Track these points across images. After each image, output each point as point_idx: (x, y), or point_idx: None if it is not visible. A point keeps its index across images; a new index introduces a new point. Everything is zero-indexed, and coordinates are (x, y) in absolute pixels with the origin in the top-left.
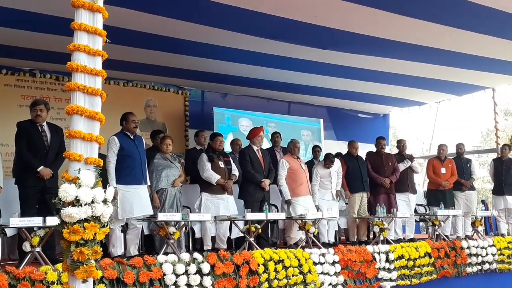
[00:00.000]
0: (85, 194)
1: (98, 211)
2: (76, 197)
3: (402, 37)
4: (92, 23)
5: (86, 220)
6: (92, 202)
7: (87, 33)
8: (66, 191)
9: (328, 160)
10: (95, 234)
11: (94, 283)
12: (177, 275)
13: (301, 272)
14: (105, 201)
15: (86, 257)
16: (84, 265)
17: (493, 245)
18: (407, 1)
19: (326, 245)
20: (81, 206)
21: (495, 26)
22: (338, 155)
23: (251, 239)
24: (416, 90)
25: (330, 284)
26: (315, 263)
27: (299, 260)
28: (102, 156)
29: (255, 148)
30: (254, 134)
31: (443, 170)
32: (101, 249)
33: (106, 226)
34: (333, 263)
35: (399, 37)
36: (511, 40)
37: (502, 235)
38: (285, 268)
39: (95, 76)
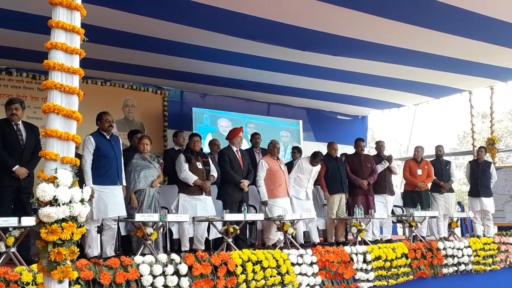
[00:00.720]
0: (63, 193)
1: (76, 211)
2: (54, 196)
3: (381, 39)
4: (70, 21)
5: (64, 220)
6: (70, 201)
7: (64, 31)
8: (44, 190)
9: (318, 158)
10: (72, 234)
11: (70, 284)
12: (154, 276)
13: (279, 273)
14: (82, 201)
15: (63, 257)
16: (61, 266)
17: (469, 247)
18: (387, 3)
19: (305, 246)
20: (59, 205)
21: (472, 29)
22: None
23: (229, 240)
24: (395, 92)
25: (308, 285)
26: (293, 264)
27: (277, 261)
28: (78, 156)
29: (234, 148)
30: (233, 134)
31: (419, 172)
32: (78, 249)
33: (83, 226)
34: (311, 264)
35: (378, 39)
36: (488, 43)
37: (478, 237)
38: (263, 269)
39: (72, 75)
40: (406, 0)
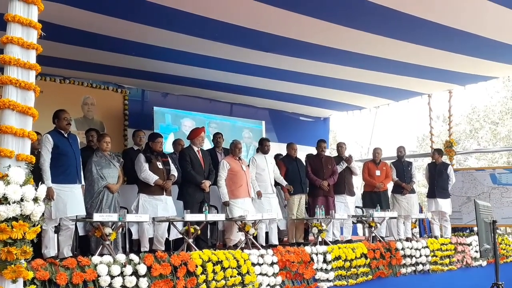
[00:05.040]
0: (14, 191)
1: (28, 210)
2: (4, 194)
3: (343, 45)
4: (26, 15)
5: (14, 218)
6: (22, 200)
7: (21, 26)
8: None
9: (265, 142)
10: (24, 233)
11: (25, 284)
12: (112, 277)
13: (239, 273)
14: (35, 200)
15: (14, 256)
16: (13, 265)
17: (427, 247)
18: (347, 14)
19: (267, 247)
20: (9, 204)
21: (430, 37)
22: (279, 156)
23: (190, 241)
24: (356, 95)
25: (268, 285)
26: (253, 264)
27: (237, 261)
28: (33, 153)
29: (195, 148)
30: (195, 134)
31: (377, 173)
32: (31, 249)
33: (37, 225)
34: (272, 264)
35: (340, 45)
36: (445, 51)
37: (435, 237)
38: (224, 269)
39: (29, 70)
40: (366, 11)
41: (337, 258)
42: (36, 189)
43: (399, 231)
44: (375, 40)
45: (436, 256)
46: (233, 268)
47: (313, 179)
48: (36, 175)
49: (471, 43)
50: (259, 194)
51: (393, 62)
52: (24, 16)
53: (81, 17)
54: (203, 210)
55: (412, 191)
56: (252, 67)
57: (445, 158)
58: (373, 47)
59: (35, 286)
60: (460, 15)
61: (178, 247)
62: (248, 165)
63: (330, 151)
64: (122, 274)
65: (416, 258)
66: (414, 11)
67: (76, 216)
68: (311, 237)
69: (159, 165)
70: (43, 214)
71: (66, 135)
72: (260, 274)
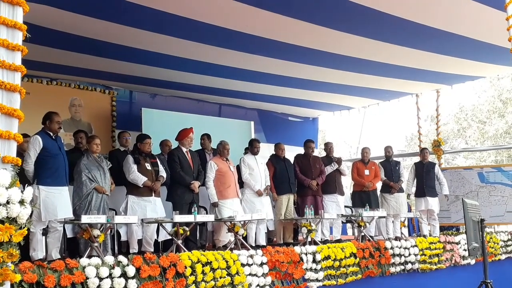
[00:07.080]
0: None
1: (14, 212)
2: None
3: (331, 48)
4: (11, 16)
5: (0, 221)
6: (8, 202)
7: (6, 27)
8: None
9: (254, 142)
10: (11, 236)
11: (12, 287)
12: (101, 279)
13: (229, 274)
14: (22, 202)
15: (1, 259)
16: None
17: (415, 246)
18: (336, 16)
19: (255, 247)
20: None
21: (418, 39)
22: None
23: (179, 242)
24: (344, 96)
25: (258, 285)
26: (243, 265)
27: (227, 262)
28: (20, 155)
29: (184, 149)
30: (183, 135)
31: (366, 172)
32: (18, 251)
33: (24, 228)
34: (261, 264)
35: (329, 48)
36: (432, 52)
37: (424, 236)
38: (213, 270)
39: (14, 72)
40: (354, 13)
41: (327, 257)
42: (22, 192)
43: (388, 230)
44: (362, 42)
45: (425, 255)
46: (223, 269)
47: (301, 178)
48: (23, 177)
49: (457, 44)
50: (260, 193)
51: (380, 64)
52: (9, 18)
53: (69, 20)
54: (192, 211)
55: (401, 190)
56: (240, 72)
57: (433, 158)
58: (361, 50)
59: None
60: (446, 17)
61: (167, 249)
62: (237, 166)
63: (320, 151)
64: (110, 276)
65: (405, 257)
66: (402, 13)
67: (64, 218)
68: (300, 237)
69: (148, 166)
70: (30, 216)
71: (54, 137)
72: (250, 274)
